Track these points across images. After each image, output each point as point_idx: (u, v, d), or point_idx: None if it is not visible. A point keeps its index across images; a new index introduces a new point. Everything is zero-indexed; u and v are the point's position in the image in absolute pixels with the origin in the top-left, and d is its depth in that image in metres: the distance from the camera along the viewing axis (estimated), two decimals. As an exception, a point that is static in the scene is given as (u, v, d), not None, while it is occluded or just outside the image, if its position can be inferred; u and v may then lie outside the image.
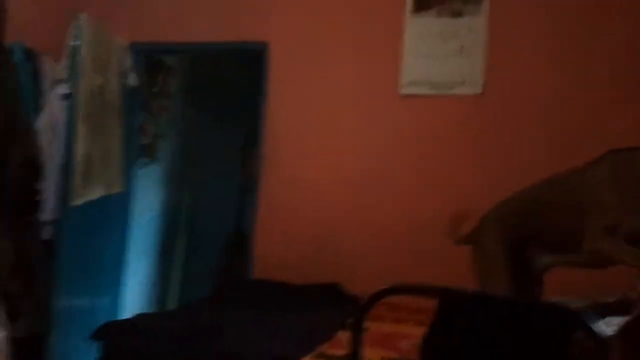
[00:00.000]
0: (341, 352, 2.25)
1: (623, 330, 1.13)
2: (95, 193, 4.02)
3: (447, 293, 1.33)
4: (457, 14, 3.94)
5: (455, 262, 3.66)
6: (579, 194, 2.13)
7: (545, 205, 2.26)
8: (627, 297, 2.91)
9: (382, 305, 1.53)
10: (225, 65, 5.56)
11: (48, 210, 3.71)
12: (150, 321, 3.12)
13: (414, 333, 2.14)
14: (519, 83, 3.84)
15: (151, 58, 4.97)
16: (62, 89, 3.89)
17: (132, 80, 4.47)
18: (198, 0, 4.59)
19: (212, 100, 5.64)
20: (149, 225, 5.23)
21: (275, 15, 4.39)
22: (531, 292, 2.36)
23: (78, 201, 3.85)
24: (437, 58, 3.96)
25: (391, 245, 3.95)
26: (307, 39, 4.30)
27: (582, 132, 3.65)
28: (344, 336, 2.46)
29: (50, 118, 3.87)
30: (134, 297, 4.92)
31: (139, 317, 3.32)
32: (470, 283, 2.37)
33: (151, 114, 5.16)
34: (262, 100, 4.38)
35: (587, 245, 2.02)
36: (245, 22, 4.44)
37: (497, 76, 3.87)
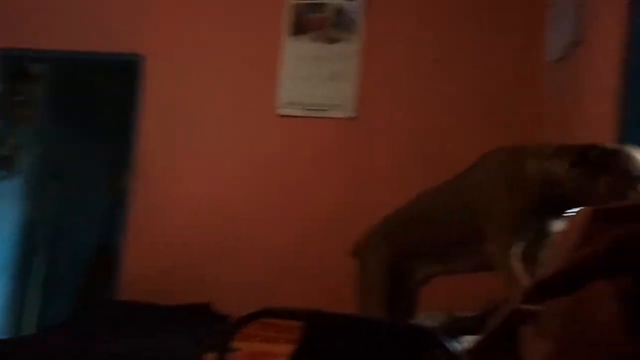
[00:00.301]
0: (208, 374, 2.20)
1: (475, 349, 1.18)
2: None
3: (312, 316, 1.34)
4: (333, 40, 4.06)
5: (328, 281, 3.76)
6: (467, 197, 2.14)
7: (433, 214, 2.26)
8: (491, 308, 3.03)
9: (253, 324, 1.52)
10: (97, 75, 5.34)
11: None
12: (2, 348, 2.90)
13: (283, 352, 2.14)
14: (390, 108, 4.02)
15: (16, 65, 4.68)
16: None
17: (-8, 87, 4.18)
18: (69, 7, 4.39)
19: (82, 112, 5.39)
20: (6, 243, 4.88)
21: (151, 28, 4.29)
22: (411, 307, 2.39)
23: None
24: (313, 81, 4.05)
25: (264, 264, 3.95)
26: (185, 54, 4.24)
27: (450, 153, 3.83)
28: (212, 358, 2.41)
29: None
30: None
31: (-10, 343, 3.07)
32: (343, 303, 2.37)
33: (12, 123, 4.84)
34: (135, 113, 4.25)
35: (489, 256, 2.03)
36: (120, 33, 4.30)
37: (369, 101, 4.02)
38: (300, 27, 4.10)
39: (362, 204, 3.88)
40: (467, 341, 1.50)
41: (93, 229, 5.75)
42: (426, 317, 2.58)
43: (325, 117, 4.05)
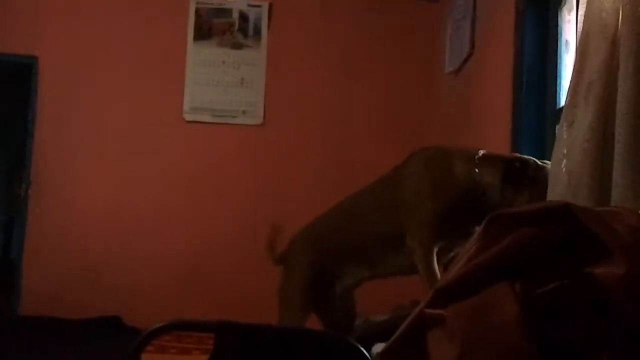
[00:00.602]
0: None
1: (384, 354, 1.22)
2: None
3: (222, 327, 1.35)
4: (238, 46, 4.05)
5: (240, 290, 3.76)
6: (394, 195, 2.13)
7: (358, 216, 2.24)
8: (405, 311, 3.11)
9: (165, 336, 1.51)
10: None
11: None
12: None
13: (197, 364, 2.12)
14: (298, 115, 4.06)
15: None
16: None
17: None
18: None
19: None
20: None
21: (47, 28, 4.09)
22: (348, 311, 2.38)
23: None
24: (219, 87, 4.03)
25: (174, 273, 3.88)
26: (83, 57, 4.07)
27: (358, 159, 3.96)
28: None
29: None
30: None
31: None
32: (256, 311, 2.33)
33: None
34: (31, 119, 4.05)
35: (410, 252, 2.05)
36: (13, 33, 4.07)
37: (276, 108, 4.05)
38: (205, 32, 4.06)
39: (272, 212, 3.89)
40: (380, 346, 1.56)
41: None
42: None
43: (233, 124, 4.04)
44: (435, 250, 2.03)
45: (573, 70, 1.75)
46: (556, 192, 1.67)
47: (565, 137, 1.70)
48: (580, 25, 1.78)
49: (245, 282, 3.66)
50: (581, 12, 1.79)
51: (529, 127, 2.50)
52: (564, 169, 1.66)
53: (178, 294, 3.79)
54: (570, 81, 1.75)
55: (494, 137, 2.77)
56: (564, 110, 1.74)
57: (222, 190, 3.99)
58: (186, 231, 3.95)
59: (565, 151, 1.68)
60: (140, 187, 3.99)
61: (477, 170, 1.99)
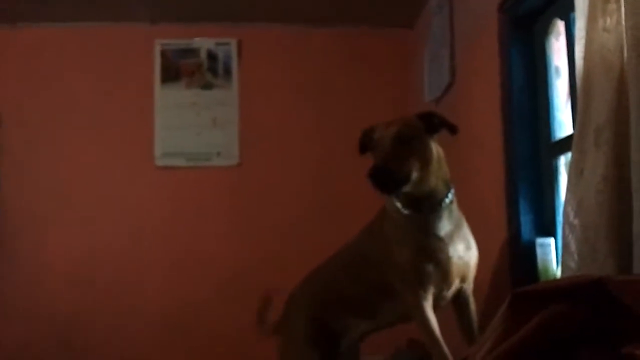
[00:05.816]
0: None
1: None
2: None
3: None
4: (208, 86, 3.90)
5: (225, 346, 3.58)
6: (376, 254, 2.06)
7: (348, 270, 2.17)
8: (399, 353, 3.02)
9: None
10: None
11: None
12: None
13: None
14: (273, 152, 3.91)
15: None
16: None
17: None
18: None
19: None
20: None
21: (6, 77, 3.88)
22: None
23: None
24: (190, 130, 3.87)
25: (151, 331, 3.65)
26: (49, 109, 3.85)
27: (339, 195, 3.82)
28: None
29: None
30: None
31: None
32: None
33: None
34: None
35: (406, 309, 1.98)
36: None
37: (252, 147, 3.89)
38: (173, 74, 3.89)
39: (255, 255, 3.74)
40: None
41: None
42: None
43: (207, 167, 3.87)
44: (430, 297, 1.92)
45: (577, 113, 1.63)
46: (572, 249, 1.54)
47: (575, 187, 1.57)
48: (579, 62, 1.66)
49: (230, 336, 3.48)
50: (579, 47, 1.67)
51: (523, 161, 2.38)
52: (577, 223, 1.54)
53: (157, 353, 3.59)
54: (575, 125, 1.64)
55: (486, 171, 2.65)
56: (571, 157, 1.62)
57: (201, 237, 3.80)
58: (164, 283, 3.74)
59: (577, 203, 1.55)
60: (112, 239, 3.77)
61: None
